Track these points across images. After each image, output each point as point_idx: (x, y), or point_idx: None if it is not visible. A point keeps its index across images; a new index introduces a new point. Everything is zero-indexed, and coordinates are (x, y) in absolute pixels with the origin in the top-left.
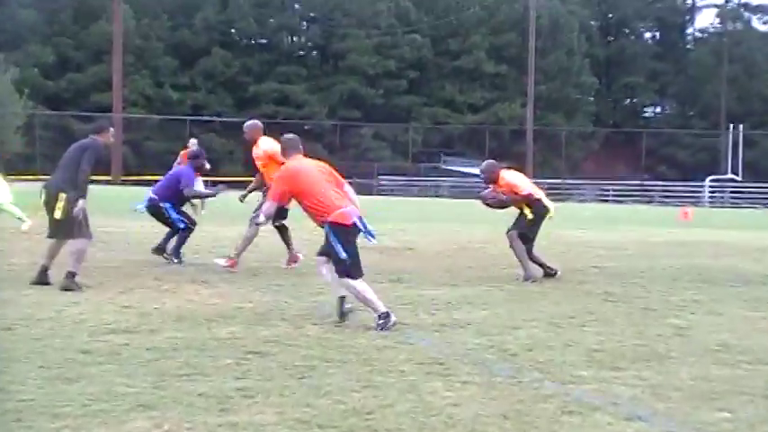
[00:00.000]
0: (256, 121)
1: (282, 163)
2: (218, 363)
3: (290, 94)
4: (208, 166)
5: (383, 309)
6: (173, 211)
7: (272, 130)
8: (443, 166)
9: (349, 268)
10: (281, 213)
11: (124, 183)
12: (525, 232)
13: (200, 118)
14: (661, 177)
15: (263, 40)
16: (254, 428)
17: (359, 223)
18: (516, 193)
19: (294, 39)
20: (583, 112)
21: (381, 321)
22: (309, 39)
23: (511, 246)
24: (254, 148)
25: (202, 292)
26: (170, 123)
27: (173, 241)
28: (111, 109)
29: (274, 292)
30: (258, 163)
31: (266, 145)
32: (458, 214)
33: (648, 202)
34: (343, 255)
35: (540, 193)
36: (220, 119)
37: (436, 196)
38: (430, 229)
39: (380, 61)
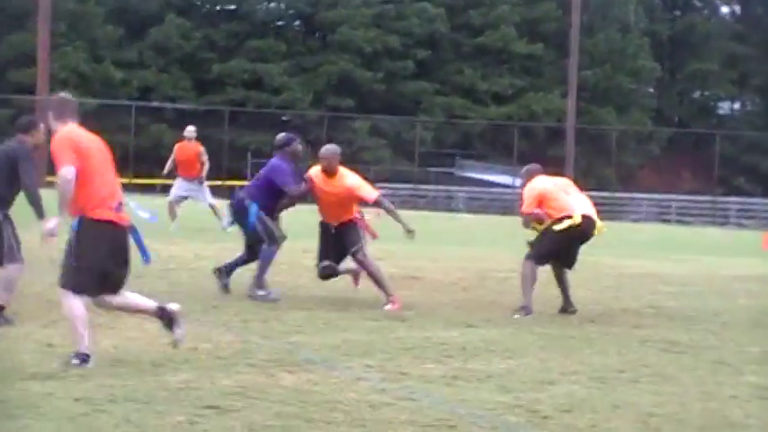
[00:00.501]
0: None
1: None
2: (166, 420)
3: (265, 76)
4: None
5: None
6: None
7: (240, 120)
8: (459, 173)
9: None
10: None
11: (50, 185)
12: (541, 252)
13: (148, 104)
14: (739, 192)
15: (231, 6)
16: None
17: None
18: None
19: (271, 5)
20: (640, 106)
21: (75, 361)
22: (290, 5)
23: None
24: (331, 180)
25: (148, 329)
26: (111, 109)
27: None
28: (35, 90)
29: (240, 330)
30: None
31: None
32: (477, 234)
33: (723, 224)
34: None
35: (572, 209)
36: (174, 105)
37: (449, 210)
38: (441, 253)
39: (380, 36)
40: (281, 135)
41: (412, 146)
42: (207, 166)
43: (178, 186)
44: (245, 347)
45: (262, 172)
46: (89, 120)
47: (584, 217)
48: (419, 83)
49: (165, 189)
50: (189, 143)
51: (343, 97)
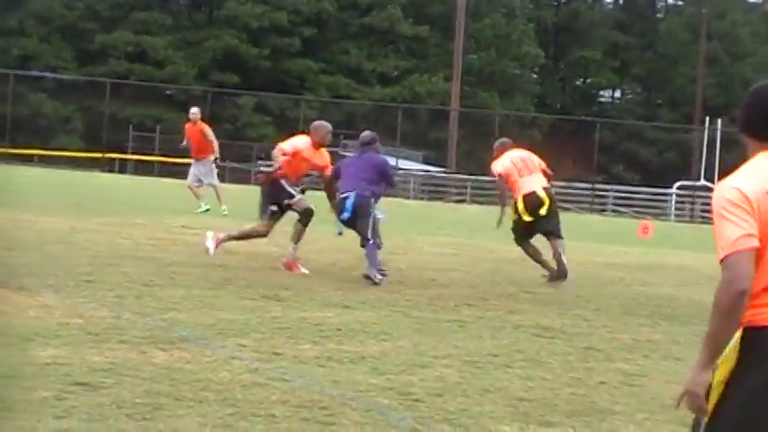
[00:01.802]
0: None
1: None
2: (33, 396)
3: (149, 49)
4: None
5: None
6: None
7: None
8: (342, 152)
9: None
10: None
11: None
12: (518, 234)
13: (28, 73)
14: (617, 180)
15: None
16: None
17: None
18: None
19: None
20: (523, 91)
21: None
22: None
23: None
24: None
25: (17, 301)
26: None
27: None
28: None
29: (113, 306)
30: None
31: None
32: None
33: (600, 212)
34: None
35: (519, 189)
36: (55, 75)
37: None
38: (321, 234)
39: (267, 13)
40: (369, 133)
41: (296, 124)
42: (216, 145)
43: (192, 169)
44: (117, 323)
45: (366, 167)
46: None
47: (526, 196)
48: (305, 61)
49: (42, 159)
50: (194, 125)
51: (228, 73)
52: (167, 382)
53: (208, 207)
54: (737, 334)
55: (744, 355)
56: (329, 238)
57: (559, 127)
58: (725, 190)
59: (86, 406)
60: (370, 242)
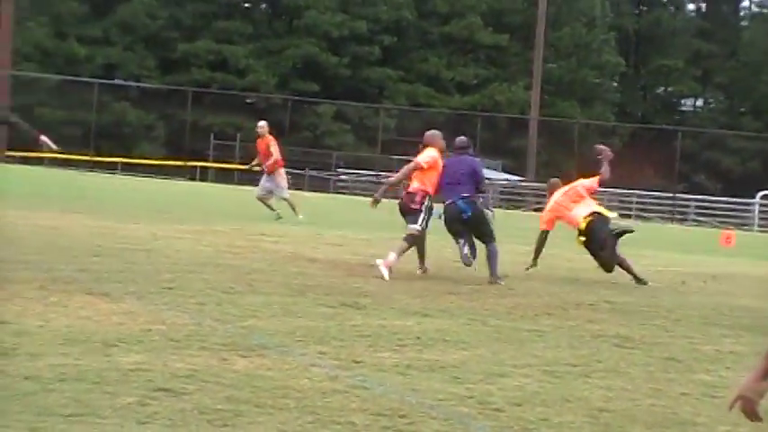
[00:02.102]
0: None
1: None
2: (117, 401)
3: (230, 57)
4: None
5: None
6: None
7: (204, 101)
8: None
9: None
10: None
11: (9, 159)
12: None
13: (112, 82)
14: (699, 190)
15: None
16: None
17: None
18: None
19: None
20: (603, 100)
21: None
22: None
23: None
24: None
25: (101, 308)
26: (73, 86)
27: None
28: None
29: (194, 313)
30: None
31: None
32: (437, 222)
33: (681, 221)
34: None
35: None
36: (138, 84)
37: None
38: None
39: (347, 21)
40: (464, 138)
41: (375, 132)
42: (272, 158)
43: (263, 182)
44: (198, 330)
45: (464, 172)
46: (52, 96)
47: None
48: (384, 69)
49: (125, 168)
50: (262, 138)
51: (308, 81)
52: (248, 388)
53: (280, 215)
54: None
55: None
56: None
57: (640, 136)
58: None
59: (168, 411)
60: (494, 242)
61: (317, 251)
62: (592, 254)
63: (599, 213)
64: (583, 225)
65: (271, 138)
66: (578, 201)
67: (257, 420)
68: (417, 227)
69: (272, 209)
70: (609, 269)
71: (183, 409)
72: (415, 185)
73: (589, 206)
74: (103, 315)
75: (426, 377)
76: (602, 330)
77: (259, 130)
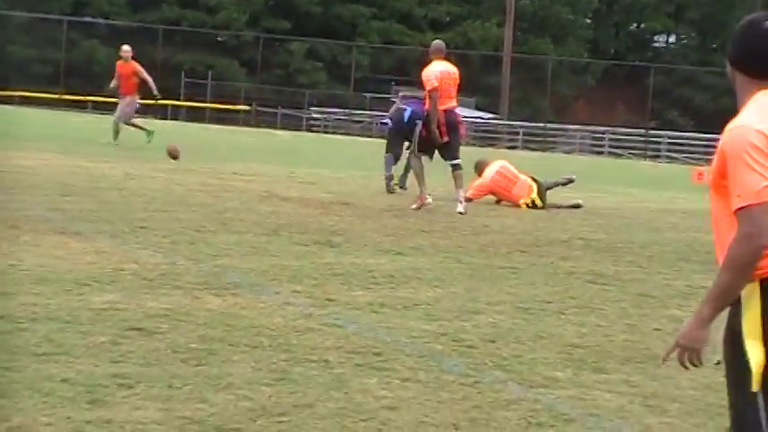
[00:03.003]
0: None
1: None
2: (90, 340)
3: None
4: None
5: None
6: None
7: (174, 39)
8: (394, 98)
9: None
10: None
11: None
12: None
13: (81, 19)
14: (672, 126)
15: None
16: (132, 427)
17: None
18: None
19: None
20: (576, 37)
21: None
22: None
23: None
24: None
25: (73, 247)
26: (42, 23)
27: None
28: None
29: (167, 252)
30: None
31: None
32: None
33: (654, 158)
34: None
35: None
36: (108, 21)
37: (383, 137)
38: (373, 180)
39: None
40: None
41: (348, 70)
42: (152, 81)
43: (122, 106)
44: (171, 269)
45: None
46: (21, 33)
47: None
48: (356, 6)
49: (97, 106)
50: (125, 62)
51: (280, 19)
52: (222, 327)
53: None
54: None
55: None
56: (382, 185)
57: (613, 73)
58: (748, 132)
59: (142, 350)
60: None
61: (291, 189)
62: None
63: (537, 182)
64: (530, 200)
65: (135, 62)
66: (516, 181)
67: (231, 359)
68: None
69: (142, 128)
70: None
71: (157, 348)
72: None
73: (526, 183)
74: (76, 254)
75: (400, 315)
76: (575, 267)
77: (123, 54)
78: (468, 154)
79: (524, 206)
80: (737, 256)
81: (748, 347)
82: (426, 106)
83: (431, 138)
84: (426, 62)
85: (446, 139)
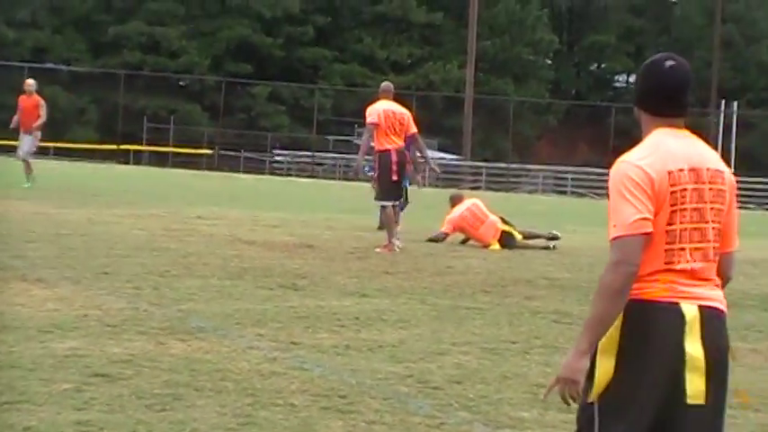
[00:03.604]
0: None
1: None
2: (53, 388)
3: (162, 40)
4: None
5: None
6: None
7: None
8: (357, 141)
9: None
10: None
11: None
12: None
13: (42, 65)
14: None
15: None
16: None
17: None
18: None
19: None
20: (537, 77)
21: None
22: None
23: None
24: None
25: (36, 294)
26: (2, 70)
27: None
28: None
29: (131, 297)
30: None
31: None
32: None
33: None
34: None
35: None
36: (69, 67)
37: (346, 179)
38: (337, 222)
39: (280, 1)
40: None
41: (310, 113)
42: (41, 120)
43: (25, 143)
44: (135, 315)
45: None
46: None
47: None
48: (318, 50)
49: (57, 152)
50: (29, 96)
51: (242, 63)
52: (186, 372)
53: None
54: None
55: (629, 329)
56: (346, 226)
57: (575, 113)
58: (628, 167)
59: (106, 397)
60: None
61: (255, 233)
62: None
63: (507, 233)
64: (495, 245)
65: (40, 98)
66: (484, 220)
67: (196, 403)
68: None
69: (29, 171)
70: None
71: (121, 394)
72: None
73: (494, 225)
74: (38, 301)
75: (365, 357)
76: (540, 307)
77: (26, 87)
78: (430, 195)
79: (498, 245)
80: (609, 284)
81: (599, 360)
82: (384, 147)
83: (383, 179)
84: (375, 101)
85: (395, 177)
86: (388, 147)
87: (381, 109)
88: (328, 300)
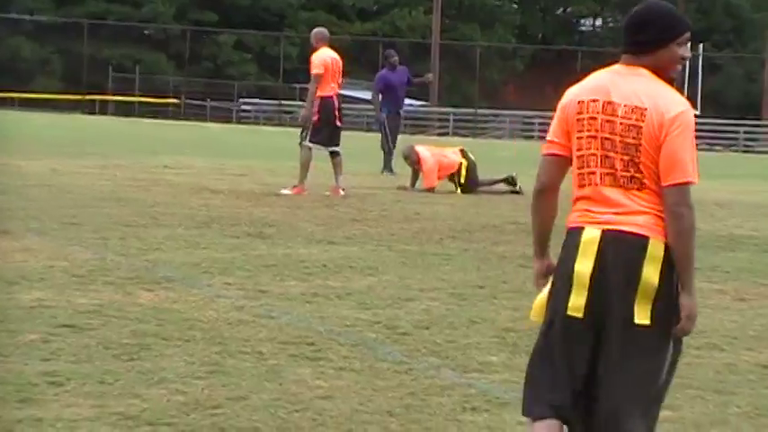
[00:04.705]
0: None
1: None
2: (19, 339)
3: None
4: None
5: None
6: None
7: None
8: None
9: None
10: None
11: None
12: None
13: (5, 15)
14: None
15: None
16: (63, 425)
17: None
18: None
19: None
20: (503, 23)
21: None
22: None
23: None
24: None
25: (1, 246)
26: None
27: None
28: None
29: (97, 248)
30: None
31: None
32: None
33: None
34: None
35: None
36: (32, 17)
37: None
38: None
39: None
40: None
41: (277, 62)
42: None
43: None
44: (102, 265)
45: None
46: None
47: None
48: None
49: (22, 103)
50: None
51: (207, 11)
52: (154, 322)
53: None
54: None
55: (561, 249)
56: (312, 175)
57: (541, 57)
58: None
59: (73, 347)
60: None
61: (221, 182)
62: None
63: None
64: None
65: None
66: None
67: (164, 353)
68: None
69: None
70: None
71: (88, 344)
72: None
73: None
74: (4, 252)
75: (333, 304)
76: (507, 251)
77: None
78: (396, 142)
79: (457, 188)
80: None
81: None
82: (328, 93)
83: (325, 124)
84: (313, 49)
85: (339, 123)
86: (331, 93)
87: (326, 57)
88: (296, 248)
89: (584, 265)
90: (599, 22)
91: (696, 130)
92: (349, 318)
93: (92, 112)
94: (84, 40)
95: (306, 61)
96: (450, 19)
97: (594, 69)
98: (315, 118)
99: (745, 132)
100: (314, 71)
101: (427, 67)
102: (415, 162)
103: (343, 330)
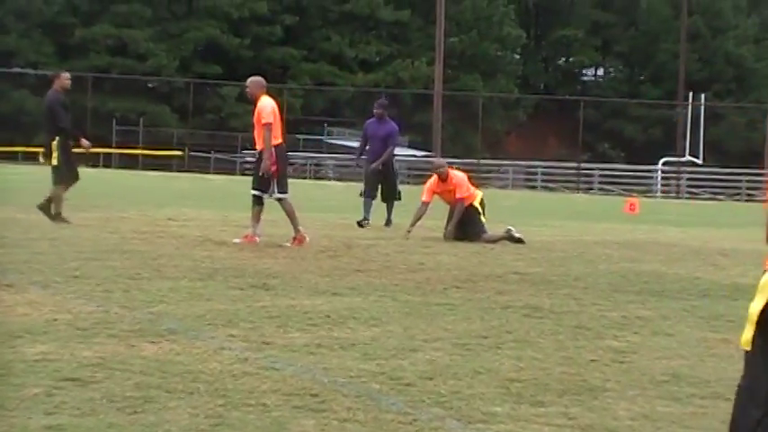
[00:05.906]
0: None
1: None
2: (23, 392)
3: (130, 42)
4: None
5: None
6: None
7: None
8: (327, 140)
9: None
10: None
11: None
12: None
13: (9, 70)
14: (603, 159)
15: None
16: None
17: None
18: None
19: None
20: (506, 73)
21: None
22: None
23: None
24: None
25: (5, 299)
26: None
27: None
28: None
29: (101, 300)
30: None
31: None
32: (344, 201)
33: (586, 190)
34: None
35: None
36: (36, 71)
37: (317, 178)
38: (308, 221)
39: (248, 2)
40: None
41: (280, 113)
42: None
43: None
44: (105, 318)
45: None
46: None
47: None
48: (287, 49)
49: (27, 157)
50: None
51: (210, 64)
52: (157, 374)
53: None
54: None
55: None
56: (317, 225)
57: (543, 107)
58: None
59: (77, 401)
60: None
61: (225, 234)
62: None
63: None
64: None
65: None
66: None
67: (168, 406)
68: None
69: None
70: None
71: (92, 398)
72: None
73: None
74: (7, 306)
75: (337, 355)
76: (511, 301)
77: None
78: (403, 193)
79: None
80: None
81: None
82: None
83: (283, 172)
84: (258, 97)
85: (275, 171)
86: (281, 140)
87: (273, 105)
88: (300, 299)
89: None
90: (601, 71)
91: (699, 180)
92: (353, 369)
93: (95, 165)
94: (89, 94)
95: (309, 112)
96: (452, 69)
97: (597, 119)
98: (273, 168)
99: (748, 181)
100: (265, 120)
101: (429, 117)
102: (444, 175)
103: (347, 381)
